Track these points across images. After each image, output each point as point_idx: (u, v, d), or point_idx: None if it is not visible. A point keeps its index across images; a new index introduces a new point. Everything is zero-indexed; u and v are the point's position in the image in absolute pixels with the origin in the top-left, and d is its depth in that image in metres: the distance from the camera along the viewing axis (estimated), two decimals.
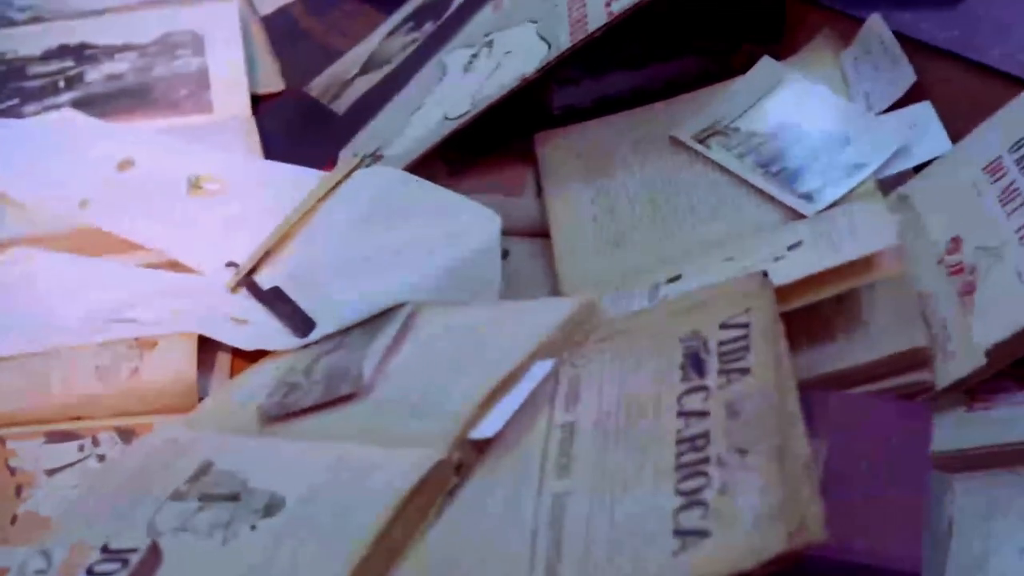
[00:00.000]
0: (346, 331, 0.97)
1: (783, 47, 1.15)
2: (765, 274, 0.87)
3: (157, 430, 0.93)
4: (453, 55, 1.17)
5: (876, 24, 1.07)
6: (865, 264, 0.90)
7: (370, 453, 0.83)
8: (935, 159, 1.01)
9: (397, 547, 0.77)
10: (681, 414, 0.78)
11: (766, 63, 1.11)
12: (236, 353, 1.02)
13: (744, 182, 1.05)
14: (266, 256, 1.09)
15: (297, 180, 1.15)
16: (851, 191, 1.01)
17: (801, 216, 1.00)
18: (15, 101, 1.25)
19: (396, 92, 1.19)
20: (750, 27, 1.18)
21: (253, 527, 0.80)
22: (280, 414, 0.90)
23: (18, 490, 0.91)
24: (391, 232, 1.04)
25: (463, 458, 0.81)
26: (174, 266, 1.11)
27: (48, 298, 1.05)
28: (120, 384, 0.96)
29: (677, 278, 0.98)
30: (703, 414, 0.77)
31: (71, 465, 0.92)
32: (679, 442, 0.76)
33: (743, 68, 1.20)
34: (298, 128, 1.25)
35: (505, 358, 0.86)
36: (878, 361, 0.91)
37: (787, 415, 0.74)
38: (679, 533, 0.70)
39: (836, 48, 1.11)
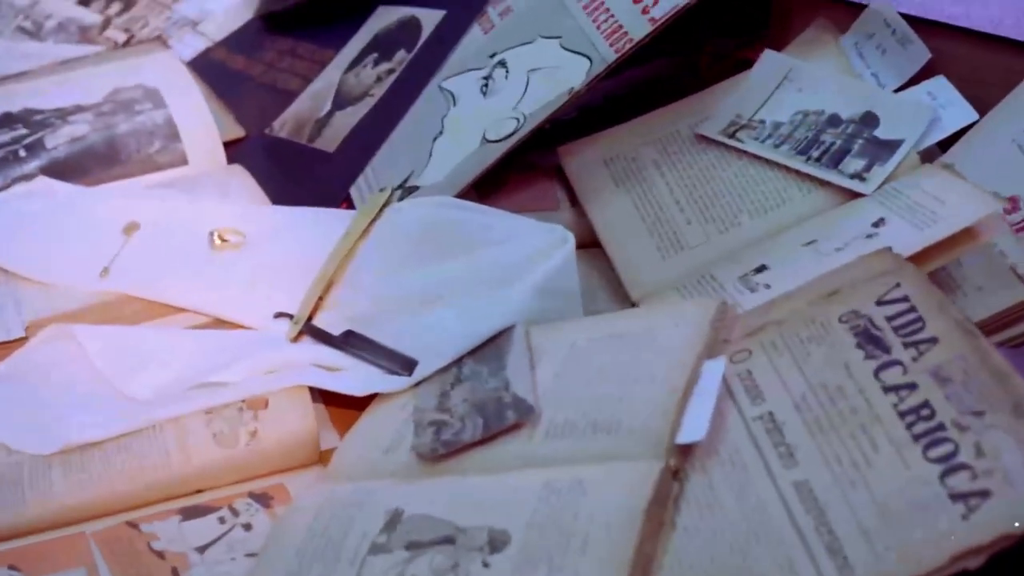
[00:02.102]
0: (458, 362, 0.96)
1: (773, 39, 1.19)
2: (890, 250, 0.90)
3: (309, 490, 0.90)
4: (457, 80, 1.17)
5: (881, 6, 1.12)
6: (968, 233, 0.95)
7: (577, 474, 0.82)
8: (966, 129, 1.06)
9: (650, 562, 0.77)
10: (887, 389, 0.81)
11: (769, 56, 1.16)
12: (327, 401, 0.99)
13: (783, 170, 1.08)
14: (319, 302, 1.06)
15: (319, 221, 1.12)
16: (897, 166, 1.05)
17: (857, 195, 1.05)
18: None
19: (392, 124, 1.17)
20: (732, 23, 1.22)
21: (486, 564, 0.79)
22: (446, 452, 0.88)
23: (174, 573, 0.86)
24: (461, 260, 1.03)
25: (677, 464, 0.81)
26: (219, 324, 1.06)
27: (108, 373, 0.99)
28: (240, 448, 0.93)
29: (762, 268, 1.01)
30: (911, 386, 0.80)
31: (219, 539, 0.88)
32: (902, 415, 0.79)
33: (708, 68, 1.25)
34: (279, 170, 1.22)
35: (677, 363, 0.87)
36: (984, 320, 0.96)
37: (1001, 374, 0.78)
38: (956, 497, 0.73)
39: (834, 34, 1.16)
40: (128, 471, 0.91)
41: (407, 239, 1.06)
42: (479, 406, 0.90)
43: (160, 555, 0.87)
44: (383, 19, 1.30)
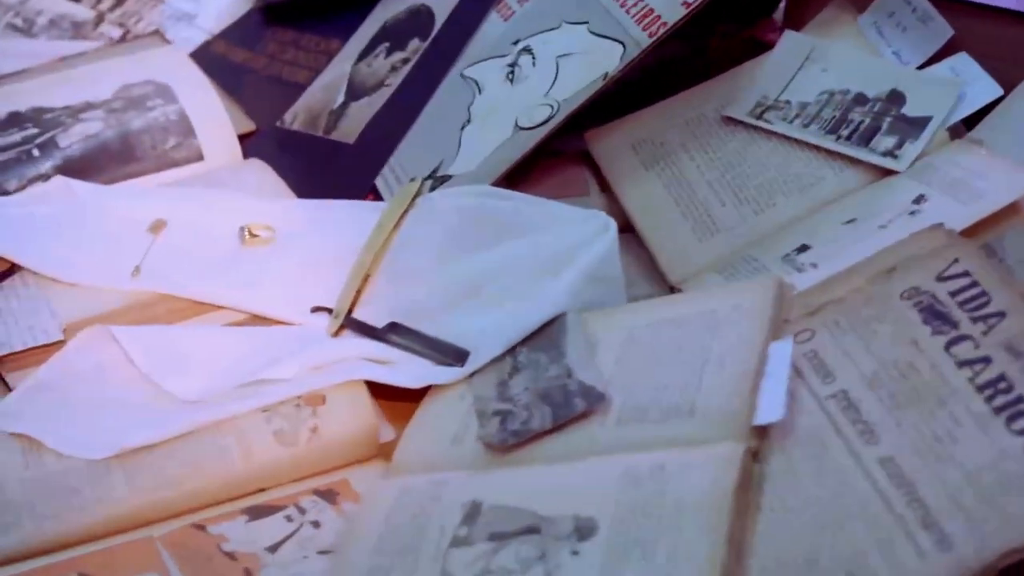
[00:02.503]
0: (511, 351, 0.96)
1: (789, 20, 1.20)
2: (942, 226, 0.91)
3: (378, 486, 0.89)
4: (479, 68, 1.16)
5: None
6: (1013, 208, 0.96)
7: (657, 459, 0.82)
8: (993, 104, 1.08)
9: (742, 543, 0.77)
10: (961, 364, 0.82)
11: (790, 36, 1.16)
12: (376, 394, 0.98)
13: (814, 150, 1.09)
14: (357, 295, 1.05)
15: (349, 214, 1.12)
16: (928, 143, 1.06)
17: (889, 173, 1.06)
18: None
19: (413, 114, 1.17)
20: (741, 6, 1.22)
21: (575, 552, 0.78)
22: (517, 442, 0.88)
23: (247, 574, 0.85)
24: (504, 249, 1.03)
25: (757, 447, 0.81)
26: (256, 321, 1.05)
27: (152, 375, 0.98)
28: (301, 445, 0.92)
29: (804, 248, 1.02)
30: (985, 360, 0.81)
31: (289, 537, 0.87)
32: (979, 389, 0.80)
33: (718, 49, 1.25)
34: (297, 163, 1.21)
35: (744, 345, 0.87)
36: None
37: None
38: None
39: (852, 14, 1.17)
40: (191, 473, 0.90)
41: (445, 229, 1.05)
42: (543, 395, 0.90)
43: (231, 556, 0.86)
44: (390, 8, 1.29)
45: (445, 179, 1.10)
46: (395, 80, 1.21)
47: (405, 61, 1.22)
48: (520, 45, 1.14)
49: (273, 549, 0.87)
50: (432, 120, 1.16)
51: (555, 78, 1.09)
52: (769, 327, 0.89)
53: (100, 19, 1.41)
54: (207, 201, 1.12)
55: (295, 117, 1.26)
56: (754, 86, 1.14)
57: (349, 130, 1.21)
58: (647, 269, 1.08)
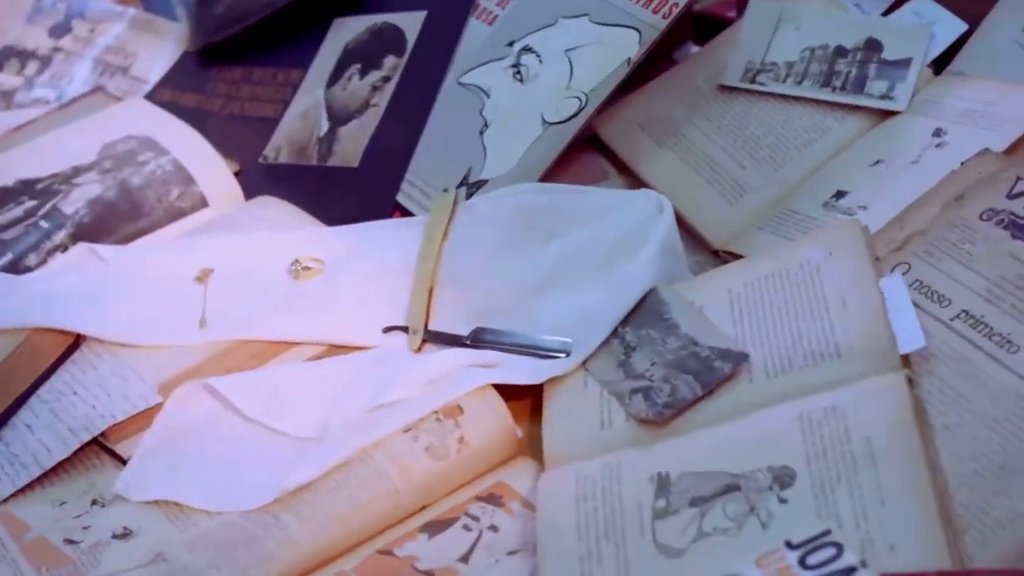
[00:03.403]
0: (614, 334, 0.99)
1: None
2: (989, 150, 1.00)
3: (547, 480, 0.92)
4: (477, 73, 1.19)
5: None
6: None
7: (824, 401, 0.87)
8: (963, 39, 1.17)
9: (935, 463, 0.83)
10: None
11: (757, 4, 1.23)
12: None
13: (812, 103, 1.17)
14: (428, 308, 1.07)
15: (389, 232, 1.13)
16: (917, 81, 1.15)
17: (889, 114, 1.14)
18: (8, 256, 1.12)
19: (415, 128, 1.19)
20: None
21: (783, 500, 0.83)
22: (673, 413, 0.92)
23: None
24: (569, 238, 1.06)
25: (910, 374, 0.88)
26: (333, 351, 1.06)
27: (266, 420, 0.98)
28: (452, 456, 0.94)
29: (841, 194, 1.09)
30: None
31: (475, 546, 0.90)
32: None
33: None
34: (304, 194, 1.21)
35: (859, 285, 0.93)
36: None
37: None
38: None
39: None
40: (359, 501, 0.91)
41: (501, 229, 1.08)
42: (676, 366, 0.94)
43: (430, 575, 0.87)
44: (346, 32, 1.30)
45: (480, 184, 1.12)
46: (381, 99, 1.23)
47: (386, 79, 1.24)
48: (517, 46, 1.17)
49: (465, 559, 0.89)
50: (441, 130, 1.18)
51: (571, 71, 1.13)
52: (872, 264, 0.95)
53: (30, 85, 1.38)
54: (247, 243, 1.12)
55: (278, 151, 1.26)
56: (737, 54, 1.20)
57: (347, 154, 1.22)
58: (684, 238, 1.12)
